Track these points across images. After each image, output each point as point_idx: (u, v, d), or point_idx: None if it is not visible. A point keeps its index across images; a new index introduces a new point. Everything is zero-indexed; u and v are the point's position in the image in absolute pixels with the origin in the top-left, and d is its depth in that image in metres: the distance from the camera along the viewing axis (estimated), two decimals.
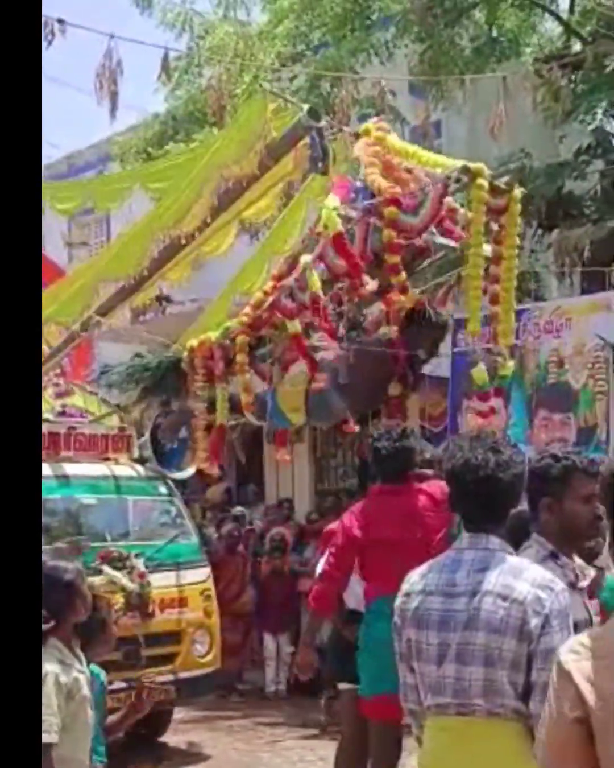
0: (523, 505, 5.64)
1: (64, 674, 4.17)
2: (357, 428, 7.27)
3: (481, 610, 3.35)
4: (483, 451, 3.50)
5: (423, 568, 3.61)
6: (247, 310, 7.09)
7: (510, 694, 3.31)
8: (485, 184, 6.01)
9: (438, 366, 10.79)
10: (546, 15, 14.35)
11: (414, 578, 3.59)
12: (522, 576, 3.38)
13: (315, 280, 6.26)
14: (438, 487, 5.82)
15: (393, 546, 5.73)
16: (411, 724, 3.67)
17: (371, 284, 6.27)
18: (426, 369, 7.72)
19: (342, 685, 6.52)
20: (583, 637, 2.45)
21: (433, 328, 6.72)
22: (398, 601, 3.61)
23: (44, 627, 3.95)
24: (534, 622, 3.29)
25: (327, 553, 6.27)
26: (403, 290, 6.06)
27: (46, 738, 3.97)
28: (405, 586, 3.62)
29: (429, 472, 6.38)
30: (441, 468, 3.80)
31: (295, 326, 6.55)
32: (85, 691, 4.31)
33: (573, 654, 2.40)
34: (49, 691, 4.05)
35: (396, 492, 6.00)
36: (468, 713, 3.37)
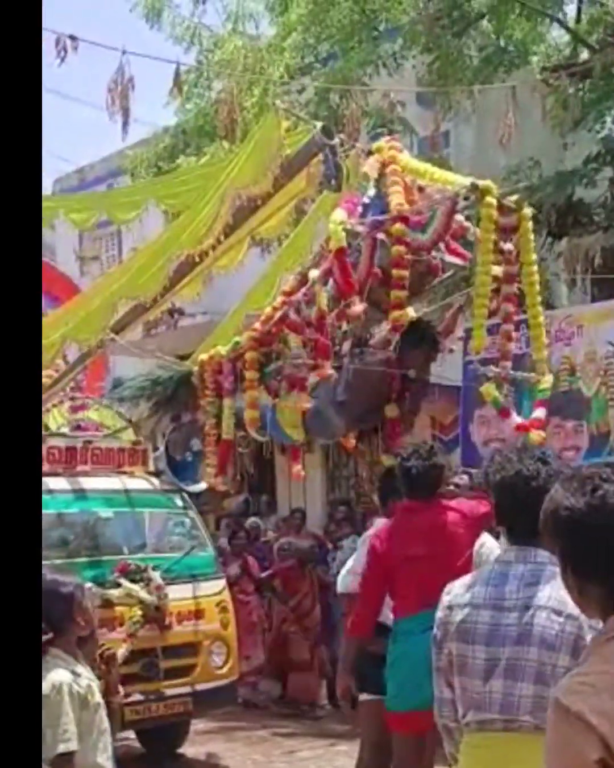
0: None
1: (76, 683, 4.22)
2: (353, 442, 7.29)
3: (534, 626, 3.32)
4: (533, 462, 3.50)
5: (466, 580, 3.58)
6: (256, 325, 7.16)
7: None
8: (493, 202, 6.05)
9: (448, 374, 10.85)
10: (554, 24, 14.39)
11: (458, 590, 3.55)
12: None
13: (323, 297, 6.31)
14: (467, 504, 5.84)
15: (420, 562, 5.69)
16: (445, 740, 3.61)
17: (358, 306, 6.29)
18: (437, 378, 7.76)
19: (364, 696, 6.52)
20: (576, 678, 2.34)
21: (425, 345, 6.72)
22: (440, 613, 3.57)
23: (43, 638, 3.99)
24: (590, 637, 3.20)
25: (359, 576, 6.26)
26: (399, 305, 6.08)
27: (65, 747, 4.04)
28: (446, 599, 3.57)
29: (453, 487, 6.37)
30: (487, 482, 3.75)
31: (298, 342, 6.62)
32: (98, 698, 4.36)
33: (577, 694, 2.28)
34: (64, 699, 4.11)
35: (423, 508, 5.94)
36: (515, 729, 3.33)
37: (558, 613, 3.31)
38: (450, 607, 3.53)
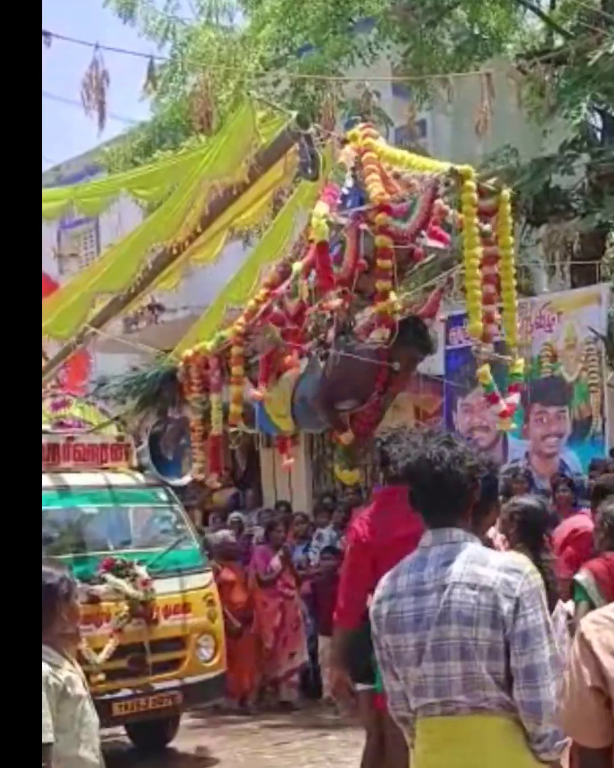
0: (528, 500, 5.66)
1: (54, 675, 4.18)
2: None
3: (452, 603, 3.30)
4: (437, 445, 3.46)
5: (391, 572, 3.56)
6: (241, 319, 7.13)
7: (492, 686, 3.26)
8: (473, 185, 6.03)
9: (432, 364, 10.86)
10: (528, 11, 14.40)
11: (384, 583, 3.54)
12: (489, 563, 3.34)
13: (304, 289, 6.30)
14: None
15: (405, 544, 5.63)
16: (404, 730, 3.62)
17: (335, 300, 6.27)
18: (420, 368, 7.75)
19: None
20: (606, 609, 2.55)
21: (416, 346, 6.69)
22: (372, 608, 3.57)
23: None
24: (507, 606, 3.24)
25: (345, 564, 6.19)
26: (384, 296, 6.07)
27: (42, 739, 4.00)
28: (377, 593, 3.57)
29: None
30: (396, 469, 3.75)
31: (276, 333, 6.61)
32: (80, 689, 4.30)
33: (595, 624, 2.51)
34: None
35: (404, 492, 5.89)
36: (452, 712, 3.32)
37: (472, 586, 3.29)
38: (379, 601, 3.53)
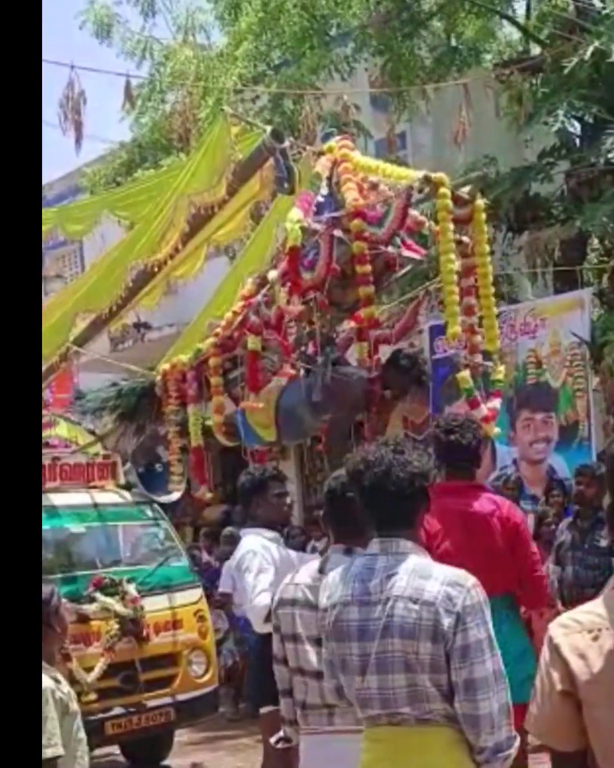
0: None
1: (58, 689, 4.20)
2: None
3: (394, 617, 3.29)
4: (384, 451, 3.42)
5: (339, 576, 3.52)
6: (218, 331, 7.14)
7: (437, 698, 3.26)
8: (448, 192, 6.08)
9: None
10: (504, 21, 14.48)
11: (332, 588, 3.52)
12: (432, 576, 3.31)
13: (282, 297, 6.32)
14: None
15: (456, 556, 4.94)
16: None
17: (297, 306, 6.26)
18: None
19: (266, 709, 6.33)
20: (574, 612, 2.55)
21: (411, 377, 6.69)
22: (318, 615, 3.60)
23: None
24: (447, 621, 3.22)
25: None
26: (368, 302, 6.10)
27: (52, 752, 4.02)
28: (324, 597, 3.56)
29: None
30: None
31: (256, 343, 6.61)
32: (75, 705, 4.34)
33: (563, 628, 2.50)
34: (48, 704, 4.09)
35: (460, 492, 5.46)
36: (399, 723, 3.33)
37: (414, 601, 3.27)
38: (324, 609, 3.52)
